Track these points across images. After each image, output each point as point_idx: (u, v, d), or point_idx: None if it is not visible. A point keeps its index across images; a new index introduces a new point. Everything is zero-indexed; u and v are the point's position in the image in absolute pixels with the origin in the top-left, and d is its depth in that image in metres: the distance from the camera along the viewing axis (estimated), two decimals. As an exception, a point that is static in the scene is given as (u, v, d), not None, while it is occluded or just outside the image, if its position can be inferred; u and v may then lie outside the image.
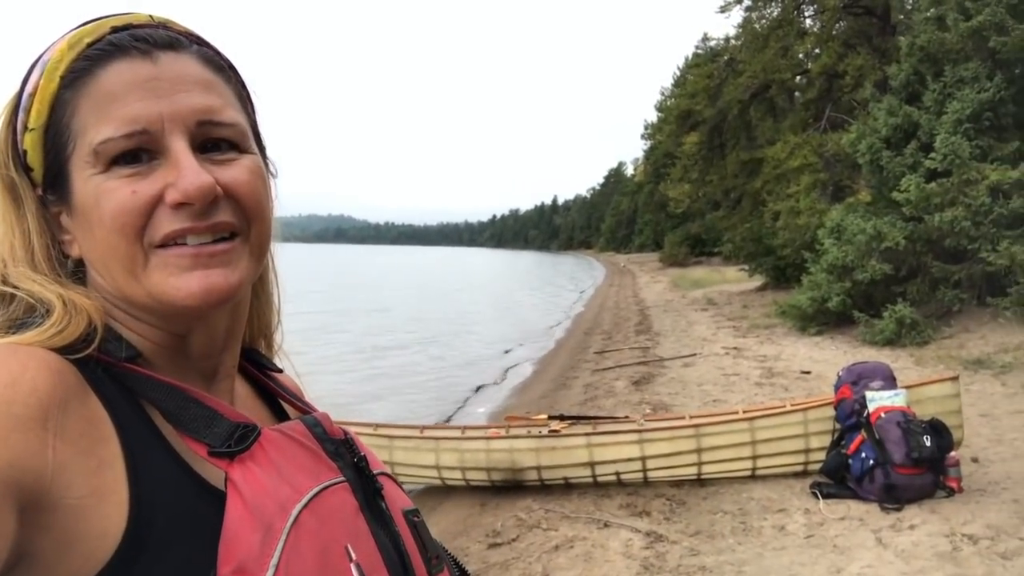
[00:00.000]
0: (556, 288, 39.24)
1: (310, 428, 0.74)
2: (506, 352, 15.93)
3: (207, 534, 0.61)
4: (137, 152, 0.65)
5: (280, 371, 0.88)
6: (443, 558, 0.79)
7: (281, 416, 0.85)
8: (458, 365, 14.37)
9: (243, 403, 0.80)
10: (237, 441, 0.66)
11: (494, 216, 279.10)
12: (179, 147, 0.66)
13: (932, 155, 10.79)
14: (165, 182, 0.65)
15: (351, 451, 0.76)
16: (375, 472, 0.76)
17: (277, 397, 0.86)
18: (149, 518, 0.60)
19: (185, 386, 0.68)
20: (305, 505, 0.66)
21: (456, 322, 22.12)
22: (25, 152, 0.68)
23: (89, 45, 0.67)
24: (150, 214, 0.65)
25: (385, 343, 17.28)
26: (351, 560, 0.65)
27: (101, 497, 0.59)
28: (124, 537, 0.59)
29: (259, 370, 0.86)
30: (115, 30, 0.68)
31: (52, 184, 0.69)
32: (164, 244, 0.66)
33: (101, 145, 0.65)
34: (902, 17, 17.77)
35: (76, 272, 0.71)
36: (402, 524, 0.75)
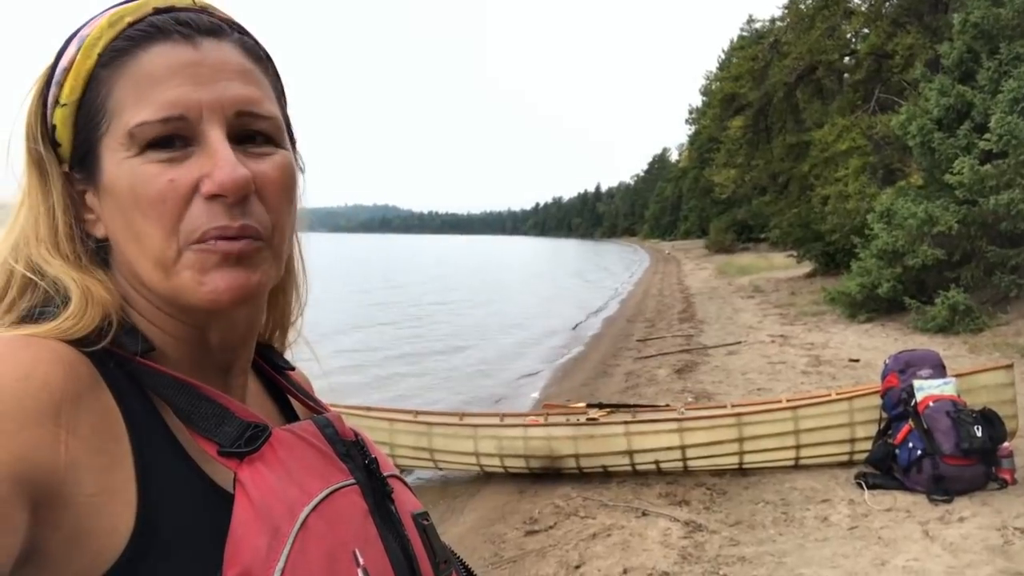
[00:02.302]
0: (599, 276, 39.05)
1: (321, 429, 0.73)
2: (548, 341, 15.90)
3: (214, 536, 0.61)
4: (171, 137, 0.64)
5: (292, 368, 0.86)
6: (452, 562, 0.78)
7: (289, 413, 0.84)
8: (503, 355, 14.39)
9: (253, 399, 0.79)
10: (247, 441, 0.65)
11: (537, 204, 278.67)
12: (216, 136, 0.65)
13: (987, 136, 10.41)
14: (201, 171, 0.64)
15: (362, 453, 0.74)
16: (385, 475, 0.75)
17: (287, 394, 0.85)
18: (156, 518, 0.59)
19: (197, 383, 0.67)
20: (313, 508, 0.64)
21: (501, 312, 22.16)
22: (54, 127, 0.68)
23: (130, 24, 0.66)
24: (187, 205, 0.64)
25: (423, 335, 17.41)
26: (358, 565, 0.64)
27: (111, 495, 0.58)
28: (132, 537, 0.58)
29: (272, 367, 0.84)
30: (158, 11, 0.67)
31: (81, 162, 0.68)
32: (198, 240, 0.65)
33: (137, 128, 0.63)
34: (955, -7, 17.18)
35: (98, 252, 0.70)
36: (411, 528, 0.73)
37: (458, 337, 16.54)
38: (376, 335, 16.64)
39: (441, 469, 6.40)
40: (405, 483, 0.80)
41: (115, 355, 0.64)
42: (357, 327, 17.34)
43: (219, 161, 0.64)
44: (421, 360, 13.62)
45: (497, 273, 44.21)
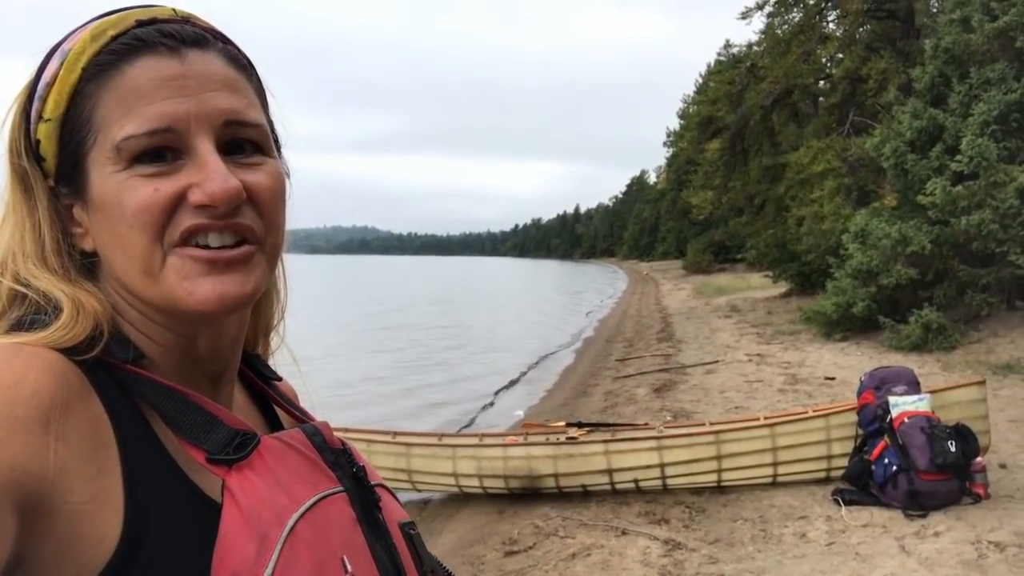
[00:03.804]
0: (577, 297, 39.15)
1: (309, 437, 0.73)
2: (528, 361, 15.89)
3: (201, 544, 0.61)
4: (161, 150, 0.64)
5: (279, 379, 0.86)
6: (438, 572, 0.78)
7: (275, 423, 0.84)
8: (482, 376, 14.35)
9: (239, 409, 0.79)
10: (236, 449, 0.65)
11: (516, 225, 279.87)
12: (205, 148, 0.65)
13: (958, 158, 10.62)
14: (189, 181, 0.64)
15: (349, 461, 0.74)
16: (373, 483, 0.75)
17: (272, 403, 0.85)
18: (143, 526, 0.59)
19: (186, 390, 0.67)
20: (302, 515, 0.65)
21: (480, 333, 22.12)
22: (38, 142, 0.67)
23: (113, 38, 0.66)
24: (172, 212, 0.64)
25: (402, 357, 17.34)
26: (347, 572, 0.64)
27: (100, 503, 0.58)
28: (119, 544, 0.58)
29: (258, 376, 0.84)
30: (140, 23, 0.67)
31: (67, 176, 0.67)
32: (183, 242, 0.65)
33: (124, 142, 0.63)
34: (926, 20, 17.57)
35: (86, 264, 0.70)
36: (398, 537, 0.74)
37: (438, 358, 16.49)
38: (356, 358, 16.54)
39: (420, 490, 6.35)
40: (392, 493, 0.80)
41: (105, 364, 0.64)
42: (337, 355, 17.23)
43: (209, 172, 0.64)
44: (399, 381, 13.54)
45: (477, 294, 44.16)
